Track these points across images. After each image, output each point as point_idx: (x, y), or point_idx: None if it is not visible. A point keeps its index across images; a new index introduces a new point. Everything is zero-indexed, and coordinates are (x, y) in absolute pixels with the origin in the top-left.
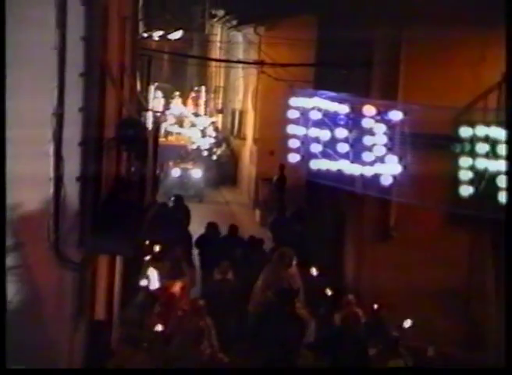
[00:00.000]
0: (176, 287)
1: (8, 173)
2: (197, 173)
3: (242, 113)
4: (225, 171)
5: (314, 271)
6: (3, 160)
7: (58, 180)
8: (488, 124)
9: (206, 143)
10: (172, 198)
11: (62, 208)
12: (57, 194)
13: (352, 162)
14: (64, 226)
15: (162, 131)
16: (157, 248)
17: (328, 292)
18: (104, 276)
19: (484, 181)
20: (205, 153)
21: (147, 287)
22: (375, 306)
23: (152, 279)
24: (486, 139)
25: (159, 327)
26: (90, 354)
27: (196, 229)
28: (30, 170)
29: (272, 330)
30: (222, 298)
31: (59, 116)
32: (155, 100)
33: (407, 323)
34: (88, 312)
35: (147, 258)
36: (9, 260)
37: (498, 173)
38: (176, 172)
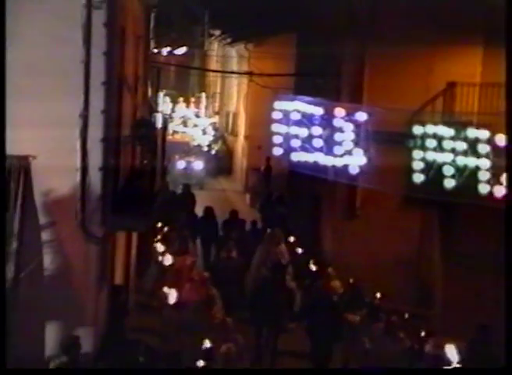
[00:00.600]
0: (185, 261)
1: (42, 164)
2: (198, 164)
3: (235, 115)
4: (221, 163)
5: (299, 248)
6: (3, 160)
7: (84, 170)
8: (435, 123)
9: (206, 140)
10: (181, 186)
11: (87, 193)
12: (83, 182)
13: (325, 155)
14: (89, 207)
15: (169, 130)
16: (166, 228)
17: (313, 267)
18: (122, 249)
19: (432, 170)
20: (205, 148)
21: (158, 261)
22: (351, 280)
23: (163, 254)
24: (434, 136)
25: (171, 297)
26: (111, 311)
27: (197, 212)
28: (61, 162)
29: (266, 299)
30: (227, 273)
31: (85, 117)
32: (163, 104)
33: (378, 295)
34: (109, 278)
35: (159, 236)
36: (44, 235)
37: (444, 164)
38: (180, 164)
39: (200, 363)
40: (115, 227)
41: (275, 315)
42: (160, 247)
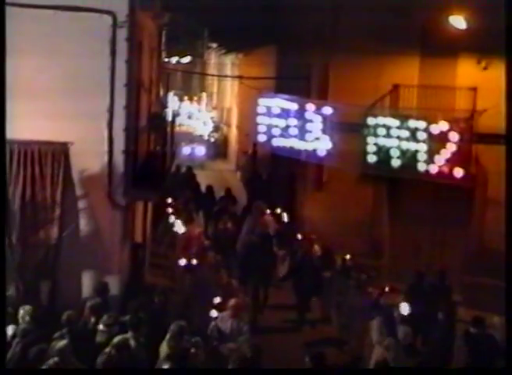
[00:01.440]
0: (194, 231)
1: (78, 149)
2: (200, 150)
3: (228, 110)
4: (219, 149)
5: (285, 217)
6: (3, 159)
7: (110, 154)
8: (384, 116)
9: (206, 130)
10: (185, 168)
11: (112, 171)
12: (109, 162)
13: (299, 141)
14: (114, 182)
15: (177, 123)
16: (175, 202)
17: (299, 236)
18: (140, 215)
19: (382, 153)
20: (206, 137)
21: (170, 230)
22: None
23: (175, 224)
24: (383, 126)
25: (182, 261)
26: (132, 263)
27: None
28: (93, 147)
29: (255, 263)
30: (224, 241)
31: (111, 112)
32: (172, 102)
33: (348, 256)
34: (130, 238)
35: (170, 209)
36: (80, 204)
37: (391, 147)
38: (186, 150)
39: (214, 313)
40: (134, 198)
41: (262, 275)
42: (172, 218)
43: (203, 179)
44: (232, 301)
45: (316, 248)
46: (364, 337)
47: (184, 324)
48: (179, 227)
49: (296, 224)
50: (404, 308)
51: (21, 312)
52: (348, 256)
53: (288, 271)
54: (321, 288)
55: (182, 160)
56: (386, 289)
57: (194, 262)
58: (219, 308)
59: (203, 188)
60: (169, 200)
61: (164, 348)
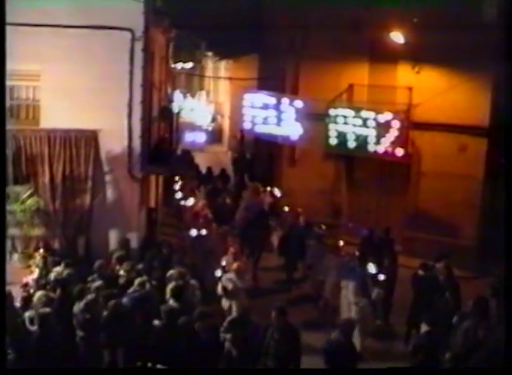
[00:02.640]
0: (198, 204)
1: (105, 134)
2: (200, 137)
3: (222, 104)
4: (215, 135)
5: (277, 192)
6: (3, 159)
7: (130, 138)
8: (343, 108)
9: (205, 121)
10: (184, 151)
11: (131, 151)
12: (129, 145)
13: (276, 127)
14: (133, 160)
15: (181, 115)
16: (181, 181)
17: (286, 208)
18: (153, 186)
19: (341, 137)
20: (204, 127)
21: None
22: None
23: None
24: (342, 115)
25: (193, 231)
26: (148, 223)
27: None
28: (116, 133)
29: (252, 234)
30: (224, 215)
31: (130, 106)
32: (177, 98)
33: (323, 226)
34: (146, 203)
35: (176, 187)
36: (106, 178)
37: (348, 132)
38: (188, 137)
39: (219, 273)
40: (148, 172)
41: (258, 244)
42: (178, 194)
43: (203, 159)
44: (234, 265)
45: (301, 219)
46: (337, 293)
47: (183, 270)
48: (189, 200)
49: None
50: (372, 269)
51: (62, 265)
52: (323, 227)
53: (279, 241)
54: (304, 253)
55: (185, 144)
56: (356, 253)
57: (203, 232)
58: (224, 270)
59: (202, 168)
60: (176, 178)
61: (169, 288)
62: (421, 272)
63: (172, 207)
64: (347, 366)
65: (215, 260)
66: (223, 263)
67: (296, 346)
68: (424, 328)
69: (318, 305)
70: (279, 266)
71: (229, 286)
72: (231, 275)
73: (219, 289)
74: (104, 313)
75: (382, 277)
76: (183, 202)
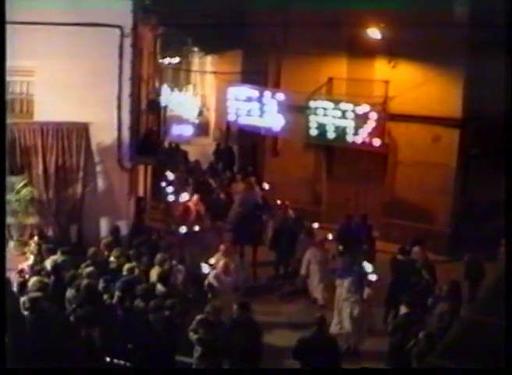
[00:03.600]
0: (192, 199)
1: (96, 126)
2: (188, 129)
3: (207, 97)
4: (201, 128)
5: (266, 186)
6: (3, 160)
7: (119, 130)
8: (322, 100)
9: (192, 114)
10: (172, 144)
11: (121, 142)
12: (119, 136)
13: (259, 119)
14: (122, 151)
15: (168, 108)
16: (171, 175)
17: (278, 202)
18: (142, 175)
19: (321, 128)
20: (191, 120)
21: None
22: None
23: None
24: (322, 108)
25: (183, 228)
26: (136, 211)
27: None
28: (107, 126)
29: (244, 229)
30: (217, 209)
31: (119, 99)
32: (165, 92)
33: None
34: (135, 192)
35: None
36: (97, 168)
37: (327, 124)
38: (175, 130)
39: (205, 269)
40: (137, 163)
41: (252, 239)
42: (169, 188)
43: (190, 152)
44: (221, 262)
45: (291, 212)
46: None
47: (167, 255)
48: (184, 195)
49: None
50: (367, 268)
51: (58, 252)
52: (316, 225)
53: (271, 236)
54: (295, 247)
55: (172, 137)
56: (340, 248)
57: (196, 228)
58: (212, 267)
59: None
60: (168, 173)
61: (154, 273)
62: (399, 256)
63: (163, 202)
64: (322, 364)
65: (211, 257)
66: (212, 261)
67: (258, 343)
68: (403, 310)
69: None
70: (271, 261)
71: (215, 283)
72: (217, 272)
73: (205, 286)
74: (78, 292)
75: (374, 278)
76: (173, 197)
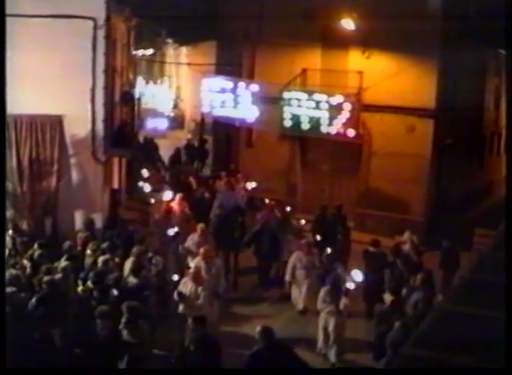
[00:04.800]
0: (176, 199)
1: (69, 119)
2: (163, 122)
3: (182, 89)
4: (177, 121)
5: (251, 185)
6: (3, 160)
7: (93, 122)
8: (296, 91)
9: (167, 107)
10: (147, 138)
11: (95, 135)
12: (93, 129)
13: (233, 110)
14: (97, 143)
15: (143, 101)
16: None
17: (266, 201)
18: (116, 168)
19: (295, 119)
20: (166, 113)
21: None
22: (288, 209)
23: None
24: (296, 98)
25: (170, 231)
26: (111, 204)
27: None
28: (81, 118)
29: (223, 233)
30: (203, 209)
31: (93, 91)
32: (140, 84)
33: (303, 221)
34: (109, 185)
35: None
36: (72, 160)
37: (301, 115)
38: (150, 123)
39: (175, 277)
40: (112, 155)
41: (233, 243)
42: (147, 187)
43: (165, 146)
44: (191, 269)
45: (276, 212)
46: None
47: (143, 248)
48: (167, 193)
49: (233, 172)
50: (357, 276)
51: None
52: (303, 221)
53: (250, 237)
54: (279, 252)
55: (147, 131)
56: (328, 250)
57: (176, 229)
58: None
59: (165, 155)
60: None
61: (127, 265)
62: (371, 248)
63: (140, 201)
64: None
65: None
66: (191, 264)
67: (216, 359)
68: (387, 298)
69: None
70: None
71: (185, 291)
72: (188, 279)
73: (175, 296)
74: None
75: (352, 286)
76: (152, 199)
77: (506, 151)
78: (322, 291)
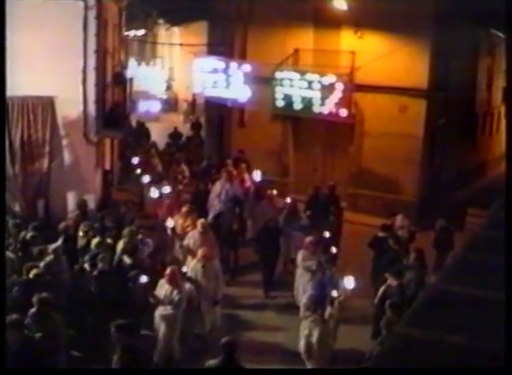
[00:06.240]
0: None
1: (61, 100)
2: (156, 105)
3: (174, 69)
4: (170, 104)
5: (257, 176)
6: (3, 160)
7: (85, 103)
8: (289, 71)
9: (160, 89)
10: (137, 122)
11: (87, 116)
12: (85, 110)
13: (225, 90)
14: (89, 124)
15: (135, 83)
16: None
17: (274, 192)
18: (108, 149)
19: (287, 99)
20: (159, 95)
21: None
22: (289, 199)
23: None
24: (288, 78)
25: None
26: (103, 184)
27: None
28: (72, 99)
29: (223, 225)
30: (204, 202)
31: (84, 72)
32: (132, 66)
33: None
34: (101, 166)
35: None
36: (64, 141)
37: (294, 95)
38: (143, 106)
39: (144, 279)
40: (103, 136)
41: (230, 236)
42: (146, 178)
43: (157, 129)
44: (168, 269)
45: (280, 202)
46: None
47: (134, 229)
48: (165, 187)
49: (225, 154)
50: (349, 283)
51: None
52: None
53: (255, 236)
54: (279, 250)
55: (140, 114)
56: (334, 250)
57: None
58: None
59: (159, 141)
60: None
61: (120, 245)
62: (381, 234)
63: (134, 193)
64: None
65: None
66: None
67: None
68: (392, 282)
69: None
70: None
71: (161, 294)
72: (163, 281)
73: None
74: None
75: (336, 294)
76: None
77: (507, 133)
78: (305, 298)
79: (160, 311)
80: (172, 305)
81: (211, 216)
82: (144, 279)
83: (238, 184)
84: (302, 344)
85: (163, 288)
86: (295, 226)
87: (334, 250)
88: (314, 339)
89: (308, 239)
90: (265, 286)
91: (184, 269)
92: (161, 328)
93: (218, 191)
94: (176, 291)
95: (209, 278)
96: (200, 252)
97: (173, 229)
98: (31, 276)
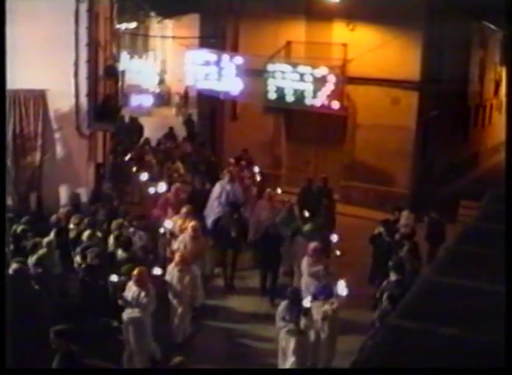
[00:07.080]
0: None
1: (53, 93)
2: (148, 99)
3: (166, 62)
4: (163, 98)
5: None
6: (3, 160)
7: (77, 96)
8: (281, 63)
9: (152, 83)
10: (130, 117)
11: (79, 109)
12: (76, 103)
13: (217, 82)
14: (81, 118)
15: (127, 77)
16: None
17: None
18: (101, 142)
19: (279, 91)
20: (151, 89)
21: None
22: (287, 199)
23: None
24: (280, 71)
25: (167, 224)
26: (96, 178)
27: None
28: (64, 92)
29: (223, 230)
30: (203, 201)
31: (76, 65)
32: (123, 59)
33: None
34: (93, 159)
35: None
36: (56, 135)
37: (286, 87)
38: (134, 100)
39: (114, 278)
40: (96, 129)
41: (231, 241)
42: (144, 175)
43: (150, 124)
44: (135, 270)
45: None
46: None
47: (122, 221)
48: (161, 185)
49: (218, 147)
50: (342, 289)
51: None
52: (307, 213)
53: (255, 241)
54: (280, 257)
55: (132, 108)
56: (338, 253)
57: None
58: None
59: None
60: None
61: (111, 239)
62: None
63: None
64: None
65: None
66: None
67: None
68: (393, 277)
69: None
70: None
71: (128, 296)
72: (131, 283)
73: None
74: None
75: (308, 304)
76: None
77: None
78: (280, 307)
79: (127, 314)
80: (140, 307)
81: (210, 220)
82: (114, 278)
83: (239, 185)
84: (280, 356)
85: (131, 290)
86: (292, 227)
87: (335, 238)
88: (290, 351)
89: (312, 245)
90: (269, 294)
91: (157, 271)
92: (130, 331)
93: (218, 193)
94: (143, 293)
95: (184, 283)
96: (177, 256)
97: (171, 231)
98: (10, 271)
